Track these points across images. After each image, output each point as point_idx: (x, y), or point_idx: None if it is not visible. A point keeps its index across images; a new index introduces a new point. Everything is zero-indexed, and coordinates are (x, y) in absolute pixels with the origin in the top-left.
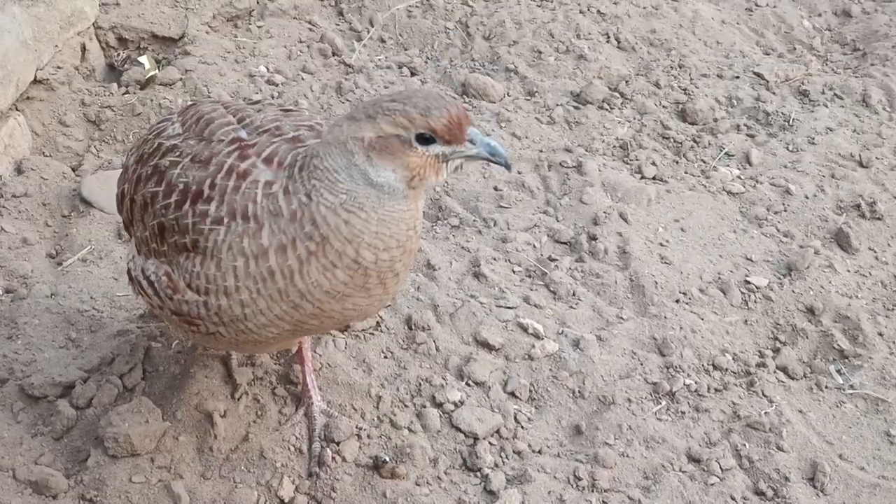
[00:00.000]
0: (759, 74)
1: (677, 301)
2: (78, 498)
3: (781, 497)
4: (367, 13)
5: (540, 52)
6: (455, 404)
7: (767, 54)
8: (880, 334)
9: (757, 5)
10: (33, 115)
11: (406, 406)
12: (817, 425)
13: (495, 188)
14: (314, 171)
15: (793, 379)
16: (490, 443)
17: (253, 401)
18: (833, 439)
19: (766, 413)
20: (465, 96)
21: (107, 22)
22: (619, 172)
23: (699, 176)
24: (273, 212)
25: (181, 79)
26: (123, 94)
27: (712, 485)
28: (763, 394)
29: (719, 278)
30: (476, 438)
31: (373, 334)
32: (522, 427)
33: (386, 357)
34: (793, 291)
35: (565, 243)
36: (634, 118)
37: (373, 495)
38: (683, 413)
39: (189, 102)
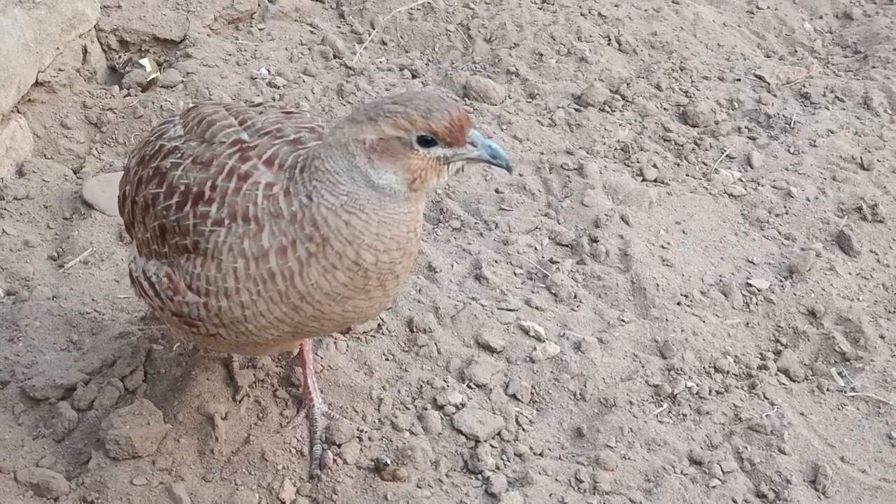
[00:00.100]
0: (760, 77)
1: (678, 303)
2: (79, 500)
3: (783, 499)
4: (368, 16)
5: (541, 55)
6: (456, 406)
7: (769, 57)
8: (882, 337)
9: (758, 8)
10: (35, 118)
11: (407, 408)
12: (819, 428)
13: (496, 190)
14: (315, 172)
15: (794, 381)
16: (491, 445)
17: (254, 403)
18: (835, 442)
19: (767, 415)
20: (466, 98)
21: (108, 24)
22: (621, 175)
23: (700, 178)
24: (273, 213)
25: (182, 81)
26: (125, 96)
27: (714, 487)
28: (764, 396)
29: (720, 281)
30: (477, 441)
31: (374, 336)
32: (524, 429)
33: (387, 359)
34: (794, 294)
35: (566, 246)
36: (635, 120)
37: (374, 497)
38: (685, 415)
39: (191, 105)
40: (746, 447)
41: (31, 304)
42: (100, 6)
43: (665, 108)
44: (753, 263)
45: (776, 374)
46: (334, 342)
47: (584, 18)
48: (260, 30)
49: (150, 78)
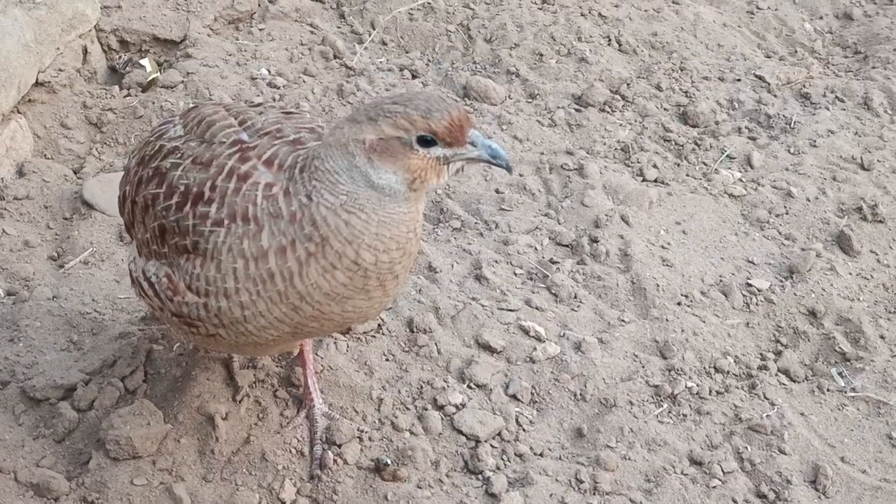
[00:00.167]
0: (760, 77)
1: (679, 304)
2: (79, 500)
3: (783, 500)
4: (368, 16)
5: (541, 55)
6: (456, 407)
7: (769, 57)
8: (882, 337)
9: (758, 8)
10: (35, 118)
11: (407, 408)
12: (819, 428)
13: (497, 191)
14: (315, 172)
15: (794, 382)
16: (491, 445)
17: (254, 403)
18: (835, 442)
19: (767, 416)
20: (466, 99)
21: (108, 24)
22: (621, 175)
23: (700, 178)
24: (273, 213)
25: (182, 81)
26: (125, 96)
27: (714, 487)
28: (765, 396)
29: (721, 281)
30: (477, 441)
31: (374, 337)
32: (524, 430)
33: (387, 359)
34: (794, 294)
35: (567, 246)
36: (636, 121)
37: (374, 498)
38: (685, 416)
39: (191, 105)
40: (747, 447)
41: (31, 304)
42: (100, 6)
43: (665, 109)
44: (754, 263)
45: (776, 375)
46: (334, 342)
47: (585, 19)
48: (260, 30)
49: (150, 78)
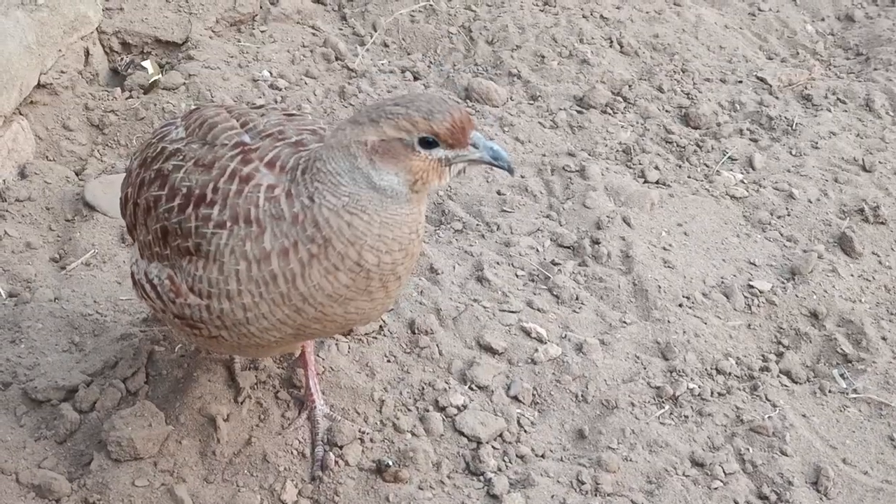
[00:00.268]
0: (762, 79)
1: (680, 305)
2: (81, 502)
3: (785, 501)
4: (370, 18)
5: (543, 57)
6: (458, 408)
7: (770, 59)
8: (884, 338)
9: (760, 10)
10: (37, 120)
11: (409, 410)
12: (821, 429)
13: (498, 192)
14: (317, 173)
15: (796, 383)
16: (493, 447)
17: (256, 404)
18: (837, 443)
19: (769, 417)
20: (468, 101)
21: (110, 26)
22: (622, 177)
23: (702, 180)
24: (275, 215)
25: (184, 83)
26: (127, 98)
27: (716, 489)
28: (766, 398)
29: (722, 282)
30: (479, 442)
31: (376, 338)
32: (525, 431)
33: (389, 361)
34: (796, 296)
35: (568, 247)
36: (637, 122)
37: (376, 499)
38: (687, 417)
39: (192, 107)
40: (748, 449)
41: (32, 305)
42: (102, 8)
43: (667, 110)
44: (755, 265)
45: (778, 376)
46: (336, 344)
47: (586, 20)
48: (262, 32)
49: (151, 80)
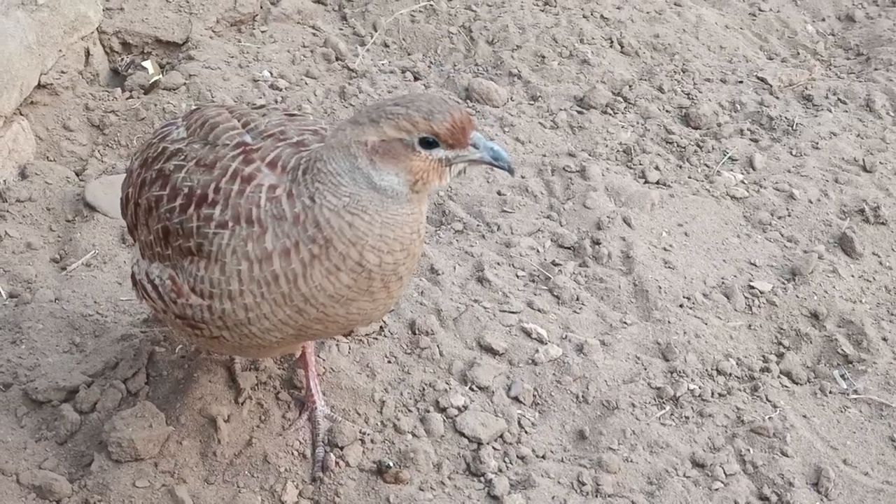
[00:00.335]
0: (762, 79)
1: (681, 306)
2: (81, 502)
3: (785, 502)
4: (370, 18)
5: (543, 57)
6: (459, 409)
7: (771, 59)
8: (884, 339)
9: (760, 10)
10: (37, 120)
11: (410, 411)
12: (821, 430)
13: (499, 193)
14: (318, 174)
15: (797, 384)
16: (494, 448)
17: (256, 405)
18: (837, 444)
19: (770, 418)
20: (468, 101)
21: (111, 27)
22: (623, 177)
23: (703, 181)
24: (276, 215)
25: (185, 83)
26: (127, 98)
27: (716, 490)
28: (767, 399)
29: (723, 283)
30: (480, 443)
31: (376, 339)
32: (526, 432)
33: (389, 362)
34: (797, 296)
35: (569, 248)
36: (638, 123)
37: (376, 500)
38: (687, 418)
39: (193, 107)
40: (749, 450)
41: (33, 306)
42: (102, 8)
43: (667, 111)
44: (756, 266)
45: (778, 377)
46: (336, 344)
47: (587, 21)
48: (262, 32)
49: (152, 80)
